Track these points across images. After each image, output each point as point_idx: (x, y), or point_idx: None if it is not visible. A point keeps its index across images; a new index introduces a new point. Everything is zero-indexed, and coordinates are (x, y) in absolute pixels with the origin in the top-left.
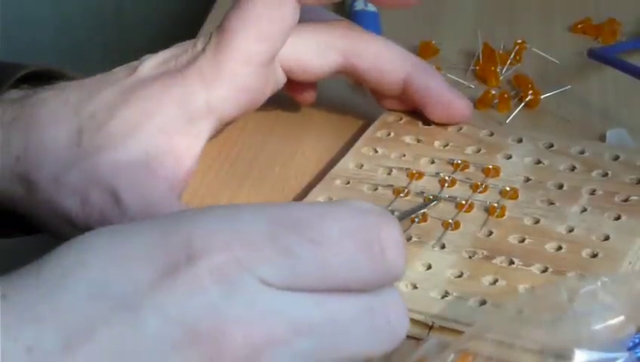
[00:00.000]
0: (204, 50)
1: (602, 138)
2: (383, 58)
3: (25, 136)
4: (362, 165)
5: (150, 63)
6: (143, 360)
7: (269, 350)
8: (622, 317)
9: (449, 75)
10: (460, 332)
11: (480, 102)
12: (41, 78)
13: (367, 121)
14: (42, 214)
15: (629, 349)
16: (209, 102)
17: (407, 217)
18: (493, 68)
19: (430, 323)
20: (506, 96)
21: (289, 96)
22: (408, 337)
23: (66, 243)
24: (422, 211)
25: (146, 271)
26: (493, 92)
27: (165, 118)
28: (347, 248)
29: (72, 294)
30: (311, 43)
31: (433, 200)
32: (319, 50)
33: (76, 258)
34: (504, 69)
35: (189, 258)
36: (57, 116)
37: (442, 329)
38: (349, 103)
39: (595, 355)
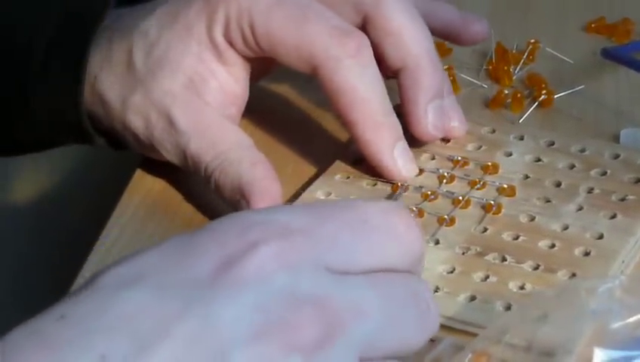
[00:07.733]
0: None
1: (616, 137)
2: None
3: (100, 57)
4: (363, 160)
5: None
6: (223, 352)
7: (339, 331)
8: None
9: (462, 75)
10: (467, 333)
11: (493, 102)
12: None
13: None
14: (118, 132)
15: None
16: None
17: None
18: (506, 67)
19: None
20: (519, 95)
21: (301, 94)
22: None
23: (112, 263)
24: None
25: (208, 265)
26: (507, 92)
27: (199, 45)
28: (387, 226)
29: (136, 298)
30: None
31: (400, 191)
32: None
33: (130, 268)
34: (517, 69)
35: (250, 246)
36: (123, 37)
37: None
38: None
39: (614, 354)
